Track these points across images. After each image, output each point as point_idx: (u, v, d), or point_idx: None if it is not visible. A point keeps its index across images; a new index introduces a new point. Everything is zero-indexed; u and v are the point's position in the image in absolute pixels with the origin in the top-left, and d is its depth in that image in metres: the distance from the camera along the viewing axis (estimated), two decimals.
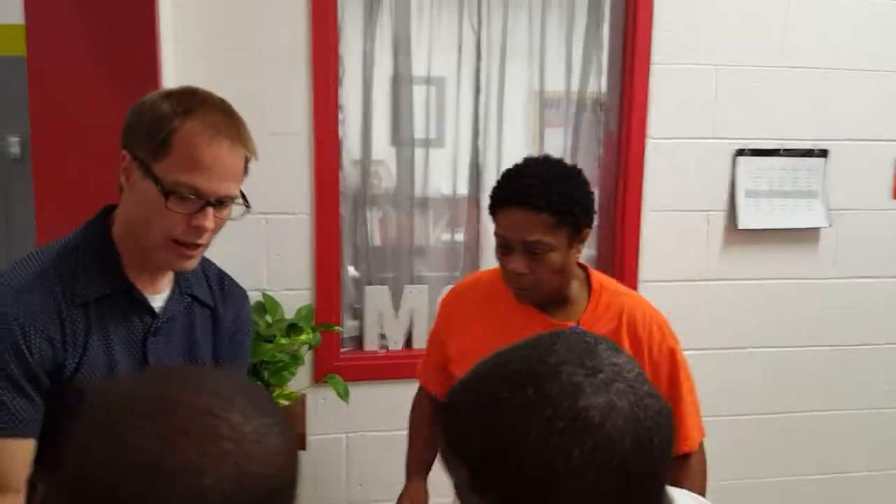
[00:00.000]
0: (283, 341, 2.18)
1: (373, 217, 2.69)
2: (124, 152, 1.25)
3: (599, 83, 2.75)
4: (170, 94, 1.24)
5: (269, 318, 2.29)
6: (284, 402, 2.19)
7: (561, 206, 1.50)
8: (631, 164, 2.64)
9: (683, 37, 2.62)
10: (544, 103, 2.78)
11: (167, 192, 1.20)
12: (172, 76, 2.22)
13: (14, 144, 4.77)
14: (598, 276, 1.70)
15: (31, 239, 2.11)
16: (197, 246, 1.27)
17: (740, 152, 2.68)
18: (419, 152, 2.69)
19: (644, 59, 2.61)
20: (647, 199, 2.67)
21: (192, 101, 1.23)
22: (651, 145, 2.65)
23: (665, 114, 2.64)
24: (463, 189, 2.73)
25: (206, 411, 0.63)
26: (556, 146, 2.77)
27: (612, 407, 0.72)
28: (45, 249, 1.30)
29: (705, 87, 2.65)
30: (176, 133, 1.20)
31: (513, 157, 2.72)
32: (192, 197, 1.21)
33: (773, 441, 2.87)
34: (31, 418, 1.23)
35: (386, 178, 2.77)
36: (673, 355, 1.63)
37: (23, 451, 1.23)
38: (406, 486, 1.70)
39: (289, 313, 2.39)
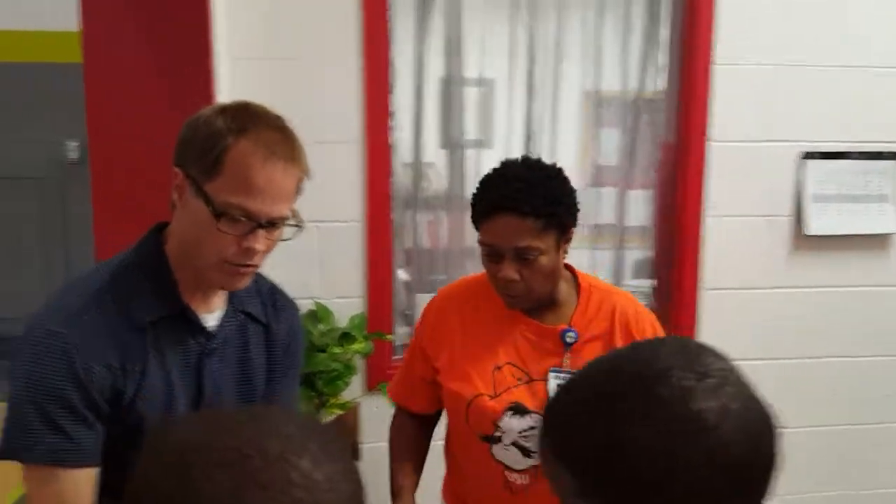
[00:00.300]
0: (337, 350, 2.15)
1: (423, 220, 2.67)
2: (177, 170, 1.21)
3: (657, 83, 2.68)
4: (224, 110, 1.20)
5: (322, 327, 2.27)
6: (338, 412, 2.17)
7: (547, 209, 1.46)
8: (691, 168, 2.56)
9: (746, 34, 2.53)
10: (599, 103, 2.71)
11: (218, 214, 1.16)
12: (225, 83, 2.21)
13: (73, 149, 4.89)
14: (585, 276, 1.66)
15: (88, 240, 2.12)
16: (249, 266, 1.23)
17: (808, 155, 2.57)
18: (470, 154, 2.65)
19: (705, 57, 2.52)
20: (708, 203, 2.58)
21: (247, 117, 1.19)
22: (712, 148, 2.55)
23: (727, 115, 2.55)
24: None
25: (278, 458, 0.62)
26: (611, 147, 2.71)
27: (726, 410, 0.72)
28: (99, 270, 1.27)
29: (769, 87, 2.55)
30: (228, 152, 1.16)
31: (566, 157, 2.71)
32: (242, 219, 1.17)
33: (844, 453, 2.76)
34: (94, 447, 1.20)
35: (436, 180, 2.75)
36: None
37: (87, 479, 1.21)
38: None
39: (341, 321, 2.37)
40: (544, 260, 1.48)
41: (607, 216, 2.76)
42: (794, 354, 2.61)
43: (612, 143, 2.73)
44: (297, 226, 1.25)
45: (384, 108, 2.41)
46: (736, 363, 0.79)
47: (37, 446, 1.16)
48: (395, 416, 1.77)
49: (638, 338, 1.58)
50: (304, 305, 2.34)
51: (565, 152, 2.69)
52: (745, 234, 2.61)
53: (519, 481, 1.58)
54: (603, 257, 2.77)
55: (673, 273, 2.61)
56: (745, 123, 2.56)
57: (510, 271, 1.48)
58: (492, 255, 1.50)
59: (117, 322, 1.21)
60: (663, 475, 0.72)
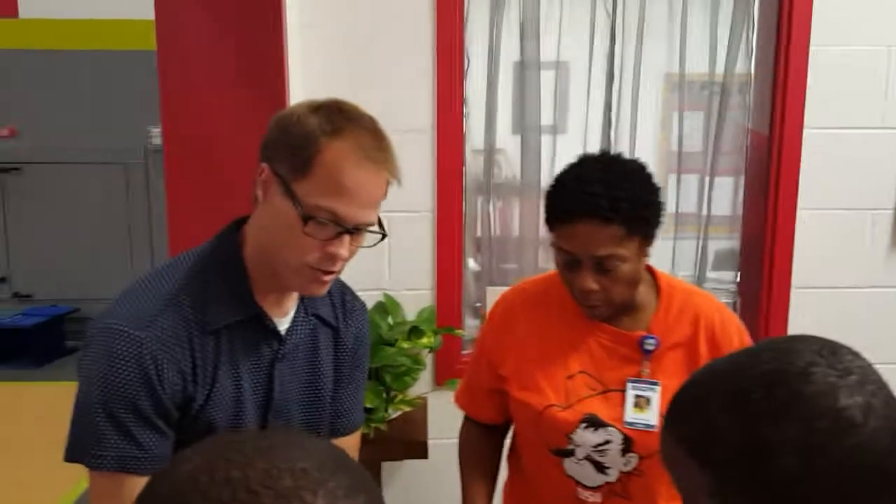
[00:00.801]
0: (405, 345, 2.11)
1: (494, 208, 2.59)
2: (263, 165, 1.16)
3: (749, 65, 2.53)
4: (318, 109, 1.15)
5: (390, 320, 2.22)
6: (406, 409, 2.12)
7: (631, 213, 1.33)
8: (784, 157, 2.40)
9: (849, 14, 2.34)
10: (682, 86, 2.58)
11: (306, 217, 1.12)
12: (298, 73, 2.18)
13: (156, 135, 5.01)
14: (665, 277, 1.53)
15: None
16: (330, 273, 1.18)
17: None
18: (544, 140, 2.57)
19: (802, 39, 2.35)
20: (803, 195, 2.41)
21: (341, 118, 1.14)
22: (808, 136, 2.38)
23: (825, 101, 2.37)
24: None
25: (291, 495, 0.57)
26: (696, 132, 2.59)
27: (871, 407, 0.72)
28: (175, 269, 1.22)
29: (874, 71, 2.36)
30: (321, 153, 1.11)
31: (646, 143, 2.59)
32: (330, 223, 1.13)
33: None
34: (163, 453, 1.17)
35: (507, 167, 2.67)
36: None
37: None
38: None
39: (410, 314, 2.32)
40: (626, 268, 1.36)
41: (690, 204, 2.63)
42: (893, 359, 2.43)
43: (696, 126, 2.60)
44: (382, 234, 1.20)
45: (457, 96, 2.33)
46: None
47: (105, 452, 1.13)
48: (464, 423, 1.68)
49: (723, 345, 1.46)
50: (373, 297, 2.31)
51: (645, 138, 2.59)
52: (842, 229, 2.43)
53: (591, 499, 1.48)
54: (684, 247, 2.66)
55: (763, 270, 2.46)
56: (845, 110, 2.38)
57: (589, 282, 1.36)
58: (569, 262, 1.39)
59: (193, 325, 1.17)
60: (809, 474, 0.71)
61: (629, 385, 1.45)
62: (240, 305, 1.21)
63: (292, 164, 1.13)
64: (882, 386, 0.75)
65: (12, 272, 5.44)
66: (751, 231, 2.55)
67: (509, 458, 1.69)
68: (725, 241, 2.66)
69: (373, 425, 2.05)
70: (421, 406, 2.22)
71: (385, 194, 1.19)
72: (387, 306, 2.27)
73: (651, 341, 1.46)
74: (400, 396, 2.10)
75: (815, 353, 0.76)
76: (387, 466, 2.23)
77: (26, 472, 3.64)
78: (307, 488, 0.57)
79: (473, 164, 2.53)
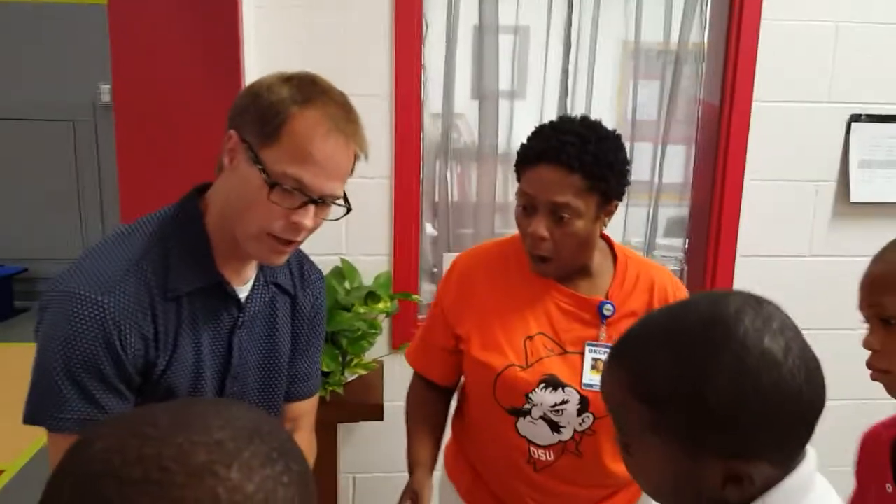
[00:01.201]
0: (362, 310, 2.12)
1: (452, 173, 2.61)
2: (231, 132, 1.18)
3: (703, 34, 2.56)
4: (290, 79, 1.17)
5: (347, 285, 2.24)
6: (361, 372, 2.15)
7: (595, 169, 1.39)
8: (734, 128, 2.45)
9: None
10: (639, 55, 2.61)
11: (272, 184, 1.13)
12: (252, 36, 2.14)
13: (106, 92, 4.88)
14: (621, 248, 1.60)
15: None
16: (291, 242, 1.20)
17: (855, 118, 2.45)
18: (503, 105, 2.58)
19: (754, 12, 2.38)
20: (750, 166, 2.47)
21: (313, 90, 1.16)
22: (757, 108, 2.44)
23: (775, 74, 2.42)
24: None
25: (203, 471, 0.57)
26: (650, 100, 2.61)
27: (789, 349, 0.81)
28: (135, 233, 1.22)
29: (823, 45, 2.42)
30: (291, 121, 1.13)
31: (602, 109, 2.62)
32: (295, 192, 1.14)
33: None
34: None
35: (466, 132, 2.67)
36: None
37: None
38: (411, 480, 1.53)
39: (366, 279, 2.34)
40: (579, 224, 1.41)
41: (643, 172, 2.67)
42: (832, 325, 2.53)
43: (650, 94, 2.62)
44: (347, 207, 1.22)
45: (415, 61, 2.32)
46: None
47: (67, 415, 1.14)
48: (412, 382, 1.71)
49: None
50: (330, 262, 2.32)
51: (602, 105, 2.60)
52: (787, 199, 2.50)
53: (543, 457, 1.53)
54: (636, 214, 2.69)
55: (710, 237, 2.53)
56: (794, 83, 2.43)
57: (541, 228, 1.41)
58: (527, 207, 1.44)
59: (153, 292, 1.18)
60: (739, 406, 0.79)
61: (587, 348, 1.51)
62: (201, 273, 1.22)
63: (261, 132, 1.14)
64: (798, 333, 0.85)
65: None
66: (699, 199, 2.62)
67: (454, 420, 1.72)
68: (676, 209, 2.72)
69: (329, 388, 2.08)
70: (377, 370, 2.25)
71: (352, 168, 1.21)
72: (343, 271, 2.28)
73: (609, 307, 1.52)
74: (356, 360, 2.12)
75: (743, 301, 0.85)
76: (343, 427, 2.27)
77: None
78: (221, 462, 0.57)
79: (432, 129, 2.53)
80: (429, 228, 2.60)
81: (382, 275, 2.33)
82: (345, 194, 1.22)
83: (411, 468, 1.55)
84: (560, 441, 1.51)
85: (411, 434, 1.62)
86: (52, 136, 5.29)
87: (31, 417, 1.17)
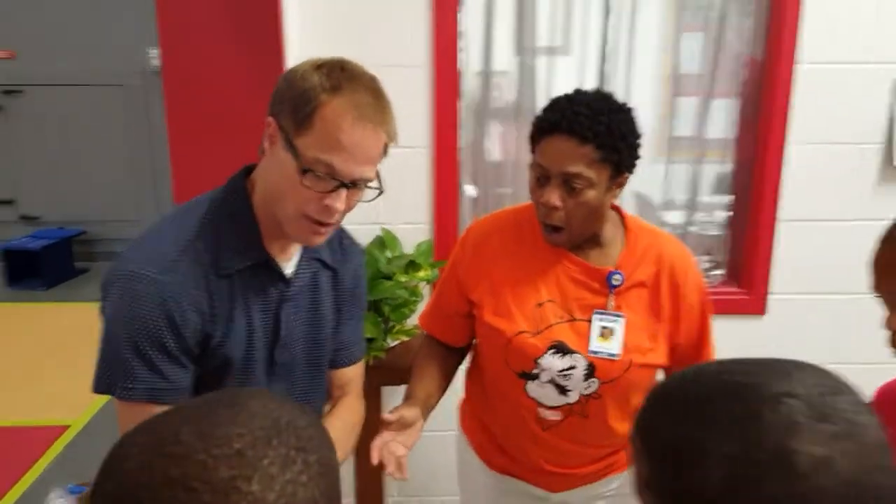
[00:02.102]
0: (403, 278, 2.19)
1: (493, 132, 2.60)
2: (270, 119, 1.24)
3: None
4: (321, 66, 1.22)
5: (388, 254, 2.30)
6: (403, 338, 2.22)
7: (607, 140, 1.41)
8: (777, 89, 2.41)
9: None
10: (684, 7, 2.53)
11: (304, 170, 1.20)
12: (292, 6, 2.18)
13: (154, 57, 4.97)
14: (632, 217, 1.62)
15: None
16: (327, 224, 1.26)
17: None
18: (544, 62, 2.54)
19: None
20: (793, 128, 2.44)
21: (342, 77, 1.21)
22: (801, 69, 2.40)
23: (819, 34, 2.37)
24: None
25: (227, 487, 0.60)
26: (693, 54, 2.53)
27: (829, 463, 0.63)
28: (188, 215, 1.31)
29: (868, 4, 2.35)
30: (320, 109, 1.19)
31: (645, 63, 2.55)
32: (327, 177, 1.20)
33: None
34: (185, 385, 1.29)
35: (508, 90, 2.66)
36: (705, 297, 1.60)
37: None
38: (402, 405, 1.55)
39: (408, 247, 2.39)
40: (591, 194, 1.44)
41: (687, 128, 2.61)
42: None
43: (693, 48, 2.54)
44: (379, 189, 1.28)
45: (452, 29, 2.33)
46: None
47: (135, 385, 1.24)
48: (423, 341, 1.77)
49: (681, 284, 1.57)
50: (371, 232, 2.38)
51: (645, 58, 2.54)
52: (831, 162, 2.47)
53: (551, 417, 1.59)
54: (680, 171, 2.65)
55: (751, 200, 2.51)
56: (836, 44, 2.38)
57: (554, 197, 1.45)
58: (540, 177, 1.47)
59: (207, 270, 1.27)
60: (727, 496, 0.66)
61: (595, 316, 1.55)
62: (250, 251, 1.31)
63: (295, 119, 1.20)
64: (873, 453, 0.66)
65: (19, 195, 5.52)
66: (743, 157, 2.57)
67: (467, 379, 1.78)
68: (721, 165, 2.64)
69: (372, 354, 2.15)
70: (417, 335, 2.32)
71: (383, 153, 1.26)
72: (384, 241, 2.33)
73: (618, 277, 1.56)
74: (398, 327, 2.19)
75: (807, 386, 0.68)
76: (388, 390, 2.35)
77: (37, 391, 3.77)
78: (243, 476, 0.61)
79: (473, 88, 2.52)
80: (469, 190, 2.63)
81: (423, 243, 2.38)
82: (378, 175, 1.27)
83: (404, 401, 1.58)
84: (567, 403, 1.57)
85: (413, 374, 1.67)
86: (104, 101, 5.41)
87: (101, 388, 1.27)
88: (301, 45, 2.28)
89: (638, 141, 1.48)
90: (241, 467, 0.62)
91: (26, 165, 5.44)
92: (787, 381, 0.68)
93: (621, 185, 1.50)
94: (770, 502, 0.64)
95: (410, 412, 1.49)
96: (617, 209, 1.62)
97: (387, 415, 1.46)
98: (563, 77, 2.55)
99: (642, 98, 2.55)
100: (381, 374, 2.21)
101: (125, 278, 1.23)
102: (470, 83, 2.51)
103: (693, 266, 1.61)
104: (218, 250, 1.28)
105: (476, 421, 1.77)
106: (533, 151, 1.50)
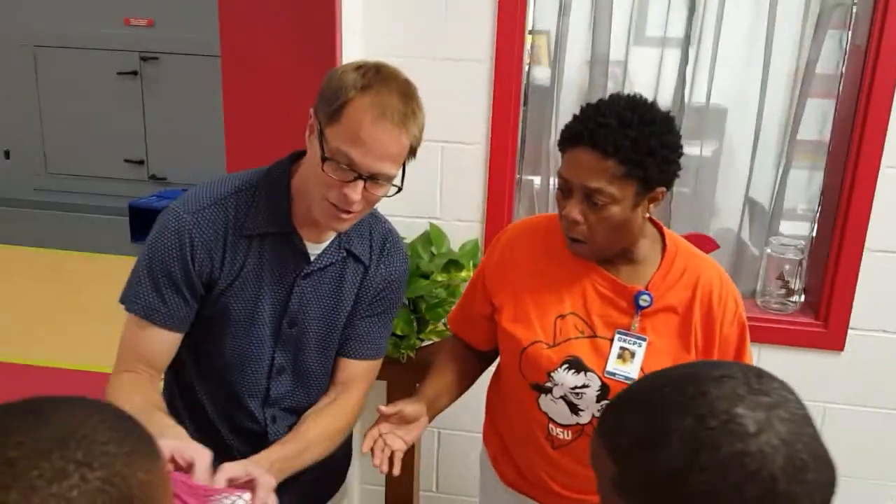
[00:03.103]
0: (440, 277, 2.15)
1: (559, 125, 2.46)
2: (312, 111, 1.35)
3: None
4: (360, 67, 1.32)
5: (433, 250, 2.27)
6: (435, 339, 2.20)
7: (632, 156, 1.32)
8: (875, 88, 2.13)
9: None
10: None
11: (325, 158, 1.29)
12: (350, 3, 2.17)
13: None
14: (673, 236, 1.52)
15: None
16: (348, 212, 1.34)
17: None
18: (656, 53, 2.37)
19: None
20: (890, 148, 2.17)
21: (375, 77, 1.29)
22: None
23: None
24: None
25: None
26: (788, 41, 2.28)
27: (770, 425, 0.73)
28: (234, 179, 1.46)
29: None
30: (349, 105, 1.28)
31: (729, 55, 2.32)
32: (345, 167, 1.29)
33: None
34: (183, 315, 1.43)
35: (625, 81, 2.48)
36: (743, 329, 1.51)
37: (168, 341, 1.44)
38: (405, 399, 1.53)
39: (457, 243, 2.35)
40: (615, 210, 1.37)
41: (773, 127, 2.37)
42: None
43: (788, 33, 2.28)
44: (398, 187, 1.36)
45: (519, 24, 2.24)
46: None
47: (138, 300, 1.41)
48: (448, 340, 1.75)
49: (718, 315, 1.47)
50: (422, 226, 2.36)
51: (726, 64, 2.33)
52: None
53: (561, 436, 1.53)
54: (763, 173, 2.40)
55: (836, 226, 2.27)
56: None
57: (574, 211, 1.39)
58: (563, 189, 1.42)
59: (231, 225, 1.40)
60: (694, 467, 0.73)
61: (617, 336, 1.48)
62: (275, 221, 1.42)
63: (328, 112, 1.30)
64: (800, 421, 0.75)
65: (149, 156, 5.89)
66: (834, 164, 2.30)
67: (489, 388, 1.74)
68: (809, 172, 2.40)
69: (403, 351, 2.15)
70: (448, 337, 2.28)
71: (405, 153, 1.33)
72: (431, 236, 2.31)
73: (646, 297, 1.47)
74: (430, 326, 2.17)
75: (740, 371, 0.79)
76: None
77: None
78: (1, 484, 0.61)
79: (578, 77, 2.40)
80: (536, 181, 2.53)
81: (468, 243, 2.34)
82: (403, 171, 1.36)
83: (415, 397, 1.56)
84: (578, 423, 1.51)
85: (429, 371, 1.65)
86: (202, 72, 5.55)
87: (122, 298, 1.44)
88: (364, 33, 2.27)
89: (672, 154, 1.38)
90: (4, 476, 0.62)
91: (157, 128, 5.79)
92: (724, 368, 0.79)
93: (655, 200, 1.41)
94: (728, 460, 0.72)
95: (412, 407, 1.48)
96: (659, 226, 1.53)
97: (384, 407, 1.46)
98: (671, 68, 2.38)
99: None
100: (414, 371, 2.20)
101: (164, 214, 1.41)
102: (577, 72, 2.39)
103: (733, 295, 1.50)
104: (246, 213, 1.41)
105: (494, 431, 1.73)
106: (561, 160, 1.44)
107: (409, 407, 1.48)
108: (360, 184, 1.30)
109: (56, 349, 4.21)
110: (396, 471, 1.43)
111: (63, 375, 3.97)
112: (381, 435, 1.45)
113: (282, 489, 1.28)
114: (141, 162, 5.86)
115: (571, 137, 1.38)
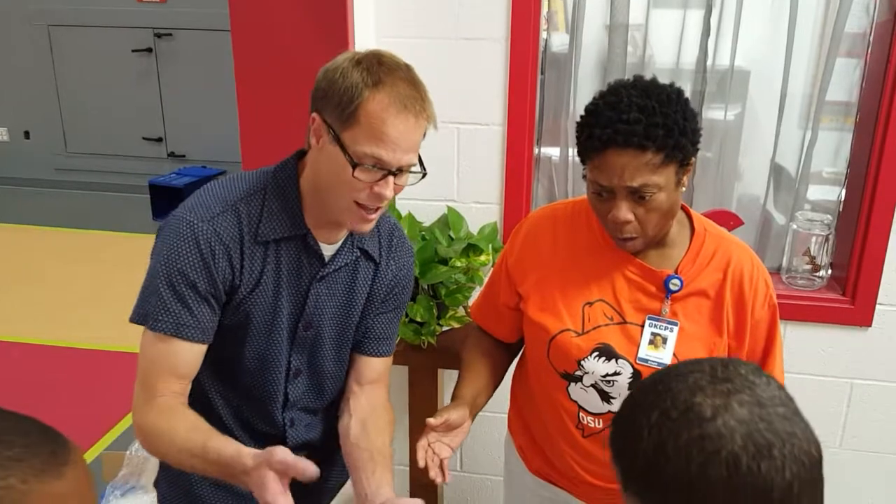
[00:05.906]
0: (459, 263, 2.13)
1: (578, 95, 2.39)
2: (314, 115, 1.31)
3: None
4: (359, 62, 1.28)
5: (451, 234, 2.24)
6: (455, 325, 2.18)
7: (668, 141, 1.29)
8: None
9: None
10: None
11: (354, 164, 1.26)
12: None
13: None
14: (700, 219, 1.49)
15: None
16: (378, 208, 1.34)
17: None
18: (678, 15, 2.32)
19: None
20: None
21: (381, 71, 1.27)
22: None
23: None
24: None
25: None
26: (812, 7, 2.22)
27: (727, 408, 0.78)
28: (241, 181, 1.42)
29: None
30: (365, 105, 1.25)
31: (752, 22, 2.26)
32: (375, 168, 1.27)
33: None
34: (212, 326, 1.39)
35: (645, 45, 2.42)
36: (774, 312, 1.49)
37: (198, 353, 1.40)
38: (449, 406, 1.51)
39: (476, 226, 2.33)
40: (662, 197, 1.34)
41: (799, 87, 2.31)
42: None
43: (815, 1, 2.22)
44: (423, 173, 1.35)
45: (535, 5, 2.18)
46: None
47: (165, 317, 1.35)
48: (473, 332, 1.71)
49: (749, 298, 1.45)
50: (440, 209, 2.33)
51: (751, 25, 2.26)
52: None
53: (592, 424, 1.52)
54: (790, 135, 2.34)
55: (860, 217, 2.21)
56: None
57: (624, 212, 1.35)
58: (601, 193, 1.38)
59: (244, 232, 1.37)
60: (661, 456, 0.79)
61: (648, 322, 1.46)
62: (289, 224, 1.39)
63: (340, 116, 1.27)
64: (767, 403, 0.79)
65: (167, 133, 5.89)
66: (864, 123, 2.23)
67: (514, 378, 1.73)
68: (838, 133, 2.33)
69: (423, 338, 2.14)
70: (468, 324, 2.27)
71: (424, 136, 1.31)
72: (449, 220, 2.28)
73: (676, 282, 1.45)
74: (450, 312, 2.15)
75: (709, 364, 0.84)
76: (445, 373, 2.34)
77: None
78: None
79: (597, 43, 2.33)
80: (555, 155, 2.48)
81: (487, 226, 2.31)
82: (420, 159, 1.33)
83: (451, 401, 1.56)
84: (610, 411, 1.49)
85: (461, 371, 1.63)
86: (216, 47, 5.53)
87: (137, 318, 1.39)
88: (377, 13, 2.23)
89: (695, 124, 1.36)
90: None
91: (174, 105, 5.78)
92: (695, 365, 0.84)
93: (688, 173, 1.39)
94: (690, 444, 0.77)
95: (456, 414, 1.47)
96: (685, 208, 1.50)
97: (432, 419, 1.45)
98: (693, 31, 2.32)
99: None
100: (435, 357, 2.20)
101: (172, 223, 1.36)
102: (599, 37, 2.33)
103: (764, 278, 1.47)
104: (259, 218, 1.37)
105: (520, 421, 1.72)
106: (583, 162, 1.40)
107: (454, 414, 1.46)
108: (391, 179, 1.29)
109: (79, 329, 4.26)
110: (448, 478, 1.43)
111: (84, 355, 4.02)
112: (429, 445, 1.44)
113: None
114: (159, 139, 5.87)
115: (600, 144, 1.33)
